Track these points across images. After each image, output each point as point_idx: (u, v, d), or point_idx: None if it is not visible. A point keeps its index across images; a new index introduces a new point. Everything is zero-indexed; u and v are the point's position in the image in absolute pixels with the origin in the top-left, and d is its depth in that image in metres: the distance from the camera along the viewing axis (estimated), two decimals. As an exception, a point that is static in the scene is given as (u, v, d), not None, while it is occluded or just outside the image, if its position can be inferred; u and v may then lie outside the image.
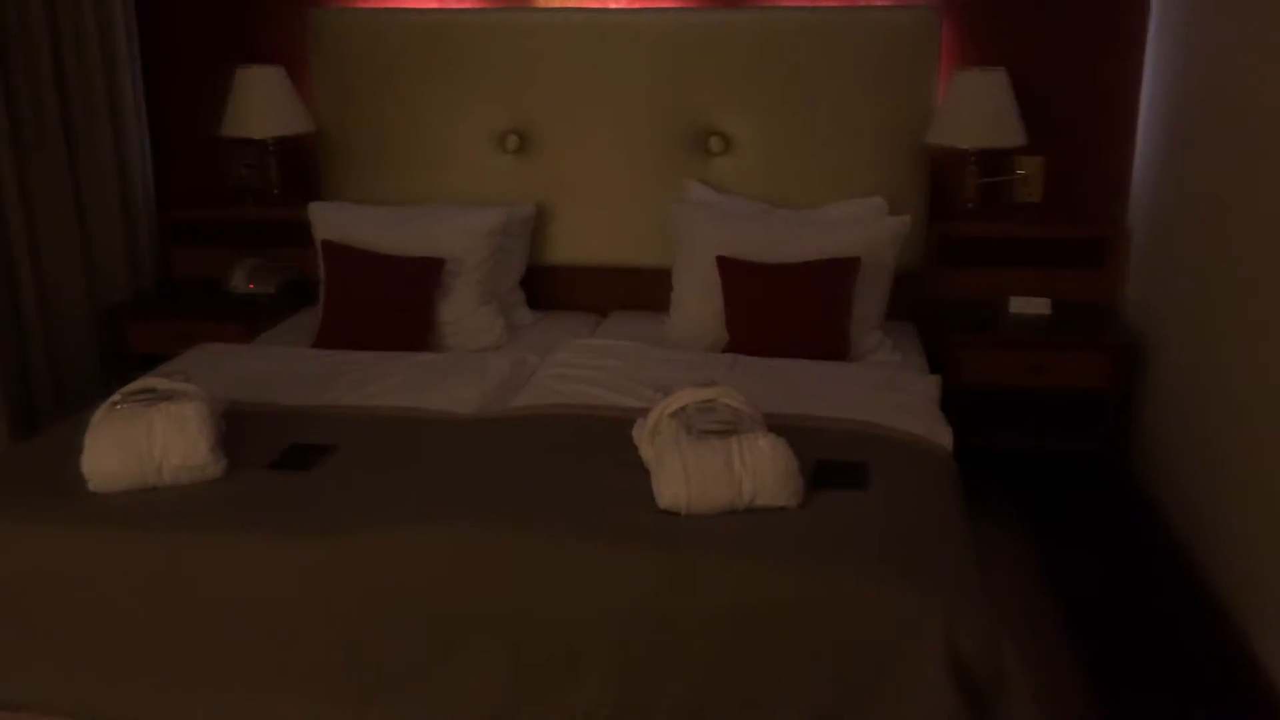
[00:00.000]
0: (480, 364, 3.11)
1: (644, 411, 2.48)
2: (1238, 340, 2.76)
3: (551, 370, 3.05)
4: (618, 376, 2.95)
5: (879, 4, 3.49)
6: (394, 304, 3.35)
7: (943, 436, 2.64)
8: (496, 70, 3.63)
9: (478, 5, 3.71)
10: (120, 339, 3.72)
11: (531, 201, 3.67)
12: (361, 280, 3.40)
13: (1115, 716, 2.53)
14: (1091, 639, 2.81)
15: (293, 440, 2.56)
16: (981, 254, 3.66)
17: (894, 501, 2.28)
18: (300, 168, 3.90)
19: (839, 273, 3.20)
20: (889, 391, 2.86)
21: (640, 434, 2.42)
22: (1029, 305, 3.52)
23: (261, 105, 3.67)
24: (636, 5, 3.63)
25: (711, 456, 2.19)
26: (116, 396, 2.47)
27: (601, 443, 2.52)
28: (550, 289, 3.79)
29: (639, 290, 3.69)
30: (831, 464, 2.40)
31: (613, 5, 3.65)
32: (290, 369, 3.04)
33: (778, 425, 2.34)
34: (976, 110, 3.36)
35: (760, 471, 2.19)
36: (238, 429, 2.52)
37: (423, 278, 3.36)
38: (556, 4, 3.67)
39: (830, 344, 3.16)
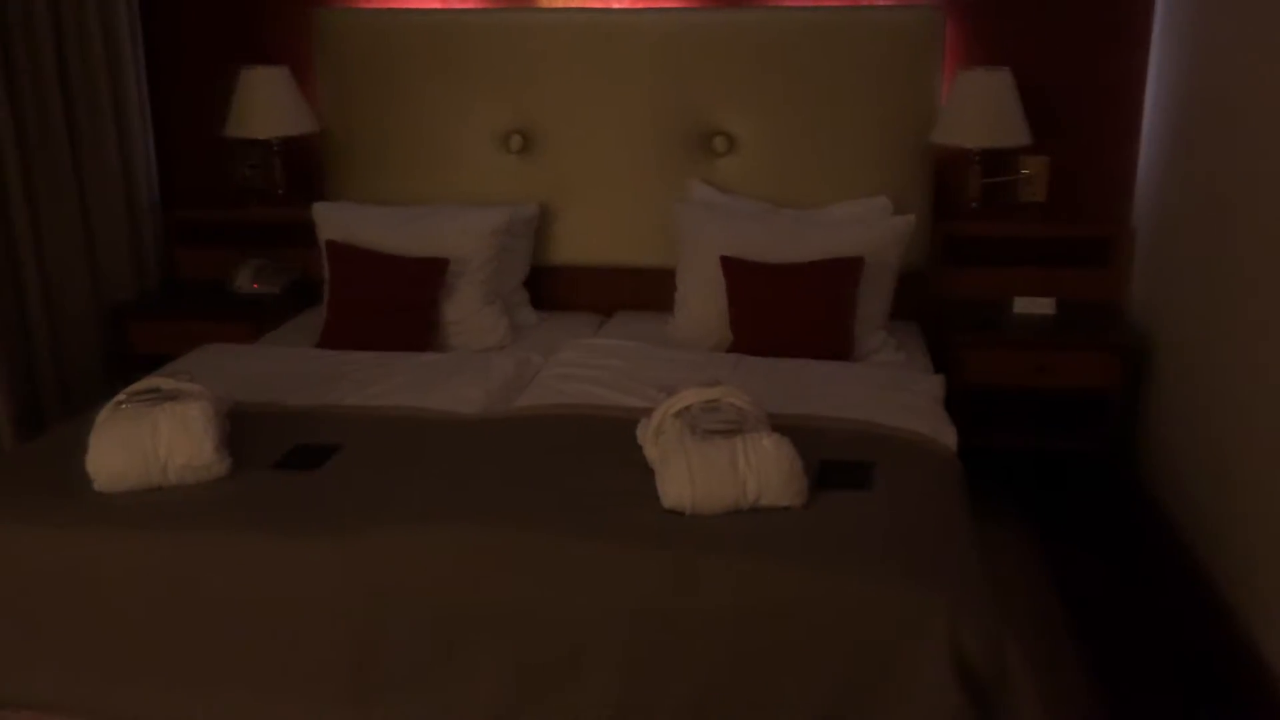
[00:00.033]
0: (484, 364, 3.11)
1: (648, 411, 2.48)
2: (1243, 340, 2.76)
3: (555, 370, 3.05)
4: (622, 376, 2.95)
5: (882, 4, 3.49)
6: (398, 304, 3.35)
7: (947, 436, 2.63)
8: (500, 70, 3.63)
9: (481, 6, 3.71)
10: (125, 339, 3.72)
11: (535, 201, 3.67)
12: (365, 280, 3.40)
13: (1119, 717, 2.53)
14: (1096, 639, 2.80)
15: (297, 440, 2.57)
16: (986, 254, 3.65)
17: (898, 501, 2.28)
18: (304, 168, 3.90)
19: (843, 273, 3.20)
20: (893, 391, 2.86)
21: (644, 434, 2.42)
22: (1033, 305, 3.52)
23: (266, 105, 3.68)
24: (639, 5, 3.63)
25: (716, 456, 2.19)
26: (121, 396, 2.47)
27: (605, 443, 2.52)
28: (554, 289, 3.79)
29: (643, 290, 3.70)
30: (836, 464, 2.39)
31: (616, 5, 3.65)
32: (294, 369, 3.04)
33: (782, 425, 2.34)
34: (980, 110, 3.36)
35: (765, 471, 2.18)
36: (242, 429, 2.52)
37: (427, 278, 3.36)
38: (560, 4, 3.67)
39: (834, 344, 3.15)
